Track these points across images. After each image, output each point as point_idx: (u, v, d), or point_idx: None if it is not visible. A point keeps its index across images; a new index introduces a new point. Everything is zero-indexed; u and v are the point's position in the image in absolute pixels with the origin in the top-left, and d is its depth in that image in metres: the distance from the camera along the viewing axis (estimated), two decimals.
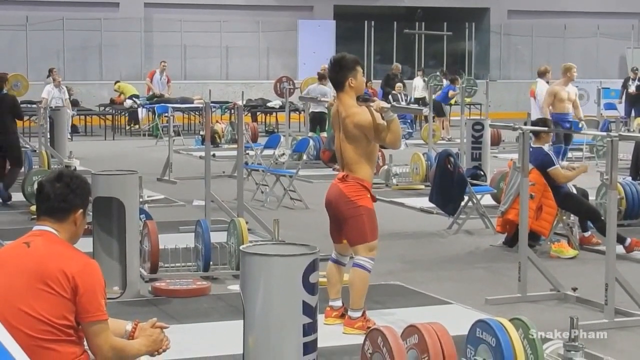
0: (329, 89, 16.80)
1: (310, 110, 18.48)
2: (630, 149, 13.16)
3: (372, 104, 6.59)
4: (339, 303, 6.78)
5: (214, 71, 29.36)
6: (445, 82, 24.02)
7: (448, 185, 10.39)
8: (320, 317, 4.84)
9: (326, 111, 17.06)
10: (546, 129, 9.65)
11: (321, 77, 18.18)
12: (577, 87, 15.20)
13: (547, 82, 15.73)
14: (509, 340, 4.81)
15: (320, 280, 7.17)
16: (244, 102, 20.61)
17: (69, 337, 3.82)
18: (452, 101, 22.60)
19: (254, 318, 4.18)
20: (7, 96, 12.70)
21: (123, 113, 24.50)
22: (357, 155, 6.51)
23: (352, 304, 6.56)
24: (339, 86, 6.59)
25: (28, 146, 16.97)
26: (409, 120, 22.25)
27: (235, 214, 9.42)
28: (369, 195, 6.55)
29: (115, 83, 25.15)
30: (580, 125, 14.63)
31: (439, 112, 21.40)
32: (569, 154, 15.77)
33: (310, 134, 17.77)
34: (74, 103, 23.43)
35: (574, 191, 9.59)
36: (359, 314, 6.53)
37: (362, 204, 6.49)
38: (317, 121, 18.35)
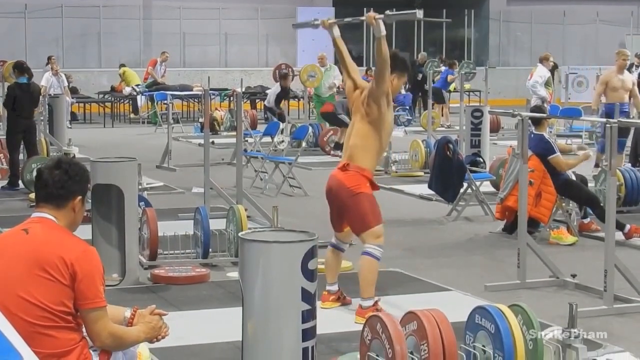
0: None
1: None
2: (629, 135, 13.15)
3: (362, 17, 6.61)
4: (335, 287, 6.81)
5: (213, 58, 29.30)
6: (443, 68, 23.98)
7: (447, 172, 10.38)
8: (317, 302, 4.83)
9: None
10: (545, 115, 9.64)
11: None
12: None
13: (552, 70, 15.49)
14: (508, 327, 4.81)
15: (319, 267, 7.22)
16: (243, 90, 20.59)
17: (68, 323, 3.83)
18: (452, 87, 22.53)
19: (253, 305, 4.18)
20: (35, 85, 13.12)
21: (122, 100, 24.46)
22: (365, 140, 6.48)
23: (362, 292, 6.50)
24: None
25: None
26: (407, 107, 22.22)
27: (235, 201, 9.42)
28: (368, 184, 6.53)
29: (120, 67, 24.76)
30: (632, 116, 13.39)
31: (438, 98, 21.24)
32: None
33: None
34: (73, 90, 23.39)
35: (574, 178, 9.58)
36: (370, 302, 6.46)
37: (361, 190, 6.46)
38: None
